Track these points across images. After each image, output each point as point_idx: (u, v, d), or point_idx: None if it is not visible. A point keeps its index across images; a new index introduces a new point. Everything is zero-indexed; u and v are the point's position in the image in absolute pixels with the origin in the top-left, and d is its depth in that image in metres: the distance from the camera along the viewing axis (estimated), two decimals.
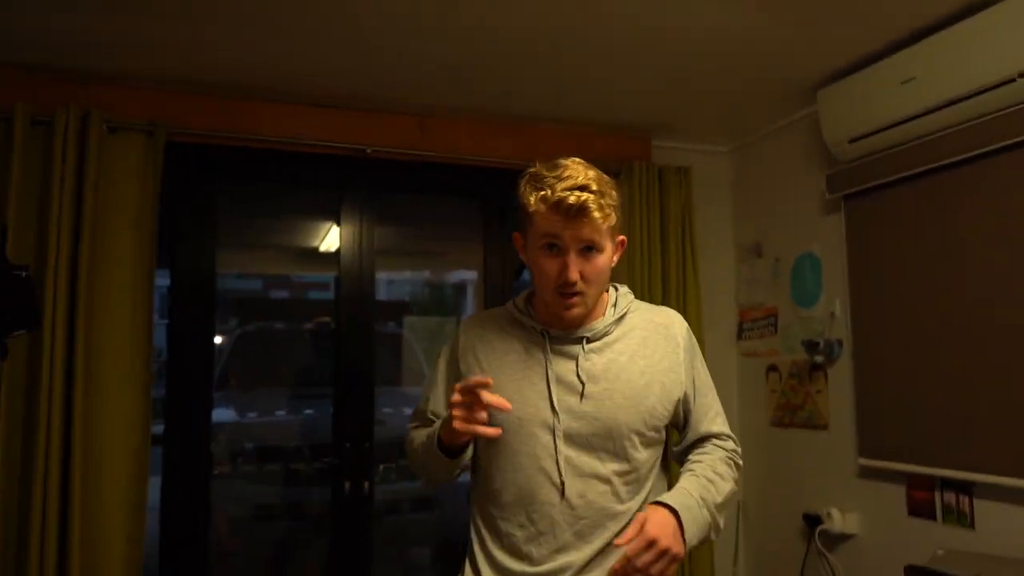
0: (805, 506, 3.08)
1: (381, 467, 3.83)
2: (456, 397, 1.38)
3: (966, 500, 2.43)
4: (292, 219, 4.61)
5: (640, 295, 3.23)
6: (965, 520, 2.43)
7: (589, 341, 1.52)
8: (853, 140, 2.77)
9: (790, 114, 3.21)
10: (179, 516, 2.91)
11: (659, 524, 1.34)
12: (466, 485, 1.67)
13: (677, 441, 1.65)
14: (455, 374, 1.59)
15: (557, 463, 1.44)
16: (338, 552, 3.07)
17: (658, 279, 3.37)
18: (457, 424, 1.38)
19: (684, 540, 1.36)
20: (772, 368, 3.35)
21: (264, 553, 3.94)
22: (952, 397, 2.45)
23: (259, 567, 3.87)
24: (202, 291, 3.02)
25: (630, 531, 1.32)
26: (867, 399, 2.80)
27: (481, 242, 3.41)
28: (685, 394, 1.55)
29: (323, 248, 4.73)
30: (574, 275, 1.42)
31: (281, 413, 4.80)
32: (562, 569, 1.43)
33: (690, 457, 1.59)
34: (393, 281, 6.29)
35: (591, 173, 1.44)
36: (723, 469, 1.55)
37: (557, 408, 1.46)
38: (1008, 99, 2.24)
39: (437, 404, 1.63)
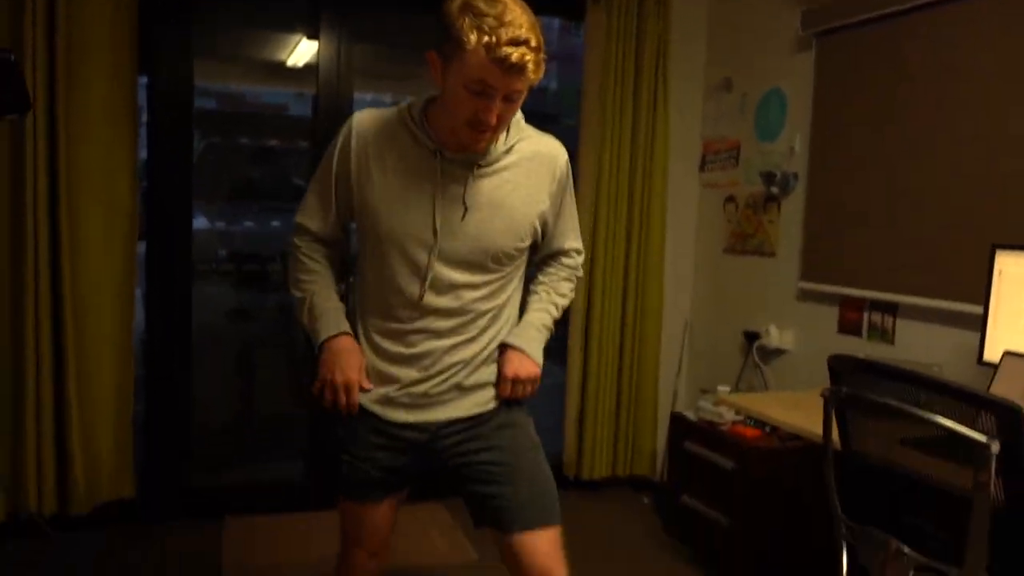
0: (746, 325, 3.38)
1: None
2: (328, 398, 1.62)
3: (890, 319, 2.73)
4: (261, 32, 4.51)
5: (611, 122, 3.41)
6: (888, 336, 2.73)
7: (479, 167, 1.57)
8: None
9: None
10: (162, 317, 3.09)
11: (515, 365, 1.65)
12: None
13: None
14: (344, 174, 1.61)
15: (425, 278, 1.57)
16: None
17: (629, 107, 3.48)
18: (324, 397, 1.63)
19: (536, 361, 1.68)
20: (730, 199, 3.55)
21: (237, 349, 4.18)
22: (888, 229, 2.69)
23: (233, 361, 4.12)
24: (180, 99, 3.06)
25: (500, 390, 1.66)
26: (813, 228, 3.04)
27: None
28: (547, 221, 1.69)
29: (290, 63, 4.68)
30: (494, 119, 1.45)
31: (250, 224, 4.92)
32: (430, 352, 1.61)
33: (538, 277, 1.79)
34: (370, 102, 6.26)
35: (529, 21, 1.42)
36: (563, 288, 1.78)
37: (439, 230, 1.55)
38: None
39: (315, 220, 1.67)
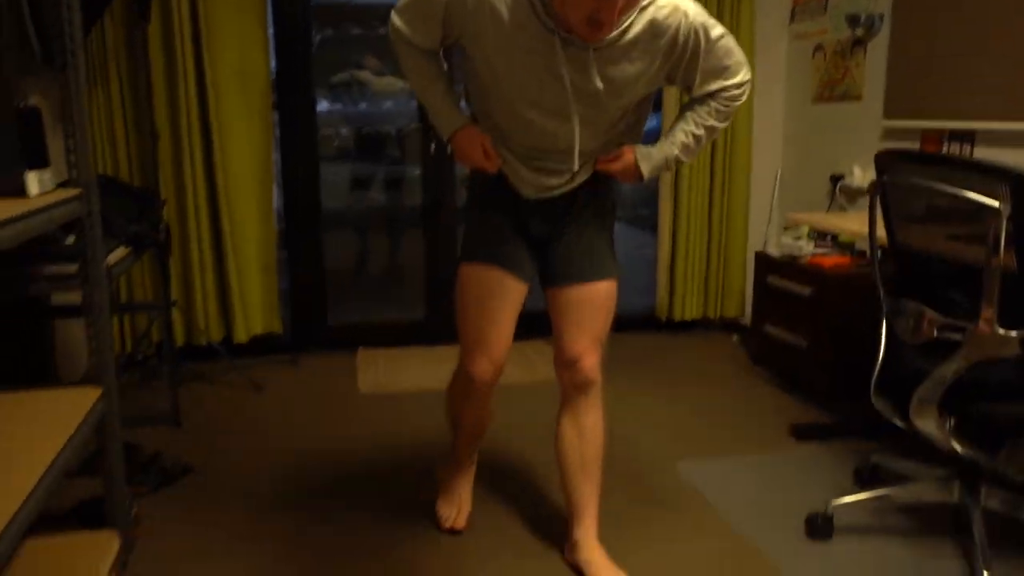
0: (833, 170, 3.51)
1: None
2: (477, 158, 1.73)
3: (968, 148, 2.82)
4: None
5: None
6: None
7: (596, 50, 1.57)
8: None
9: None
10: (298, 188, 3.53)
11: (621, 163, 1.76)
12: None
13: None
14: (457, 21, 1.61)
15: (575, 142, 1.68)
16: (427, 184, 3.71)
17: None
18: (466, 162, 1.77)
19: (641, 175, 1.76)
20: (818, 48, 3.62)
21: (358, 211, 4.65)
22: (969, 58, 2.75)
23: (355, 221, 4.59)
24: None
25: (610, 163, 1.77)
26: (897, 67, 3.11)
27: None
28: (676, 78, 1.70)
29: None
30: (616, 15, 1.46)
31: (364, 105, 5.28)
32: (566, 170, 1.75)
33: (692, 106, 1.76)
34: None
35: None
36: (709, 120, 1.74)
37: (572, 106, 1.63)
38: None
39: (413, 32, 1.68)
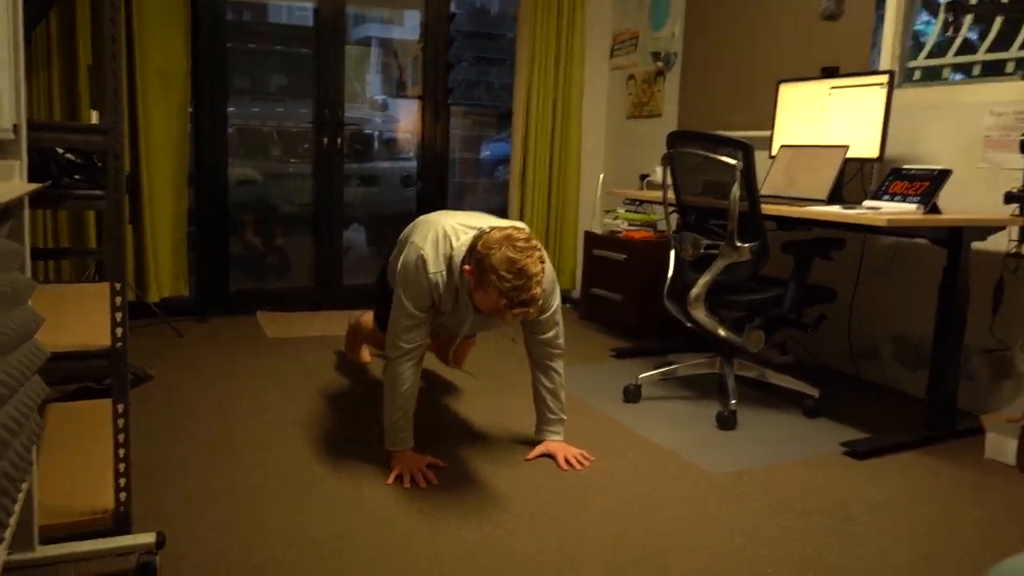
0: (641, 170, 4.54)
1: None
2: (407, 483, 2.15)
3: None
4: None
5: (541, 23, 4.48)
6: None
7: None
8: None
9: None
10: (206, 169, 4.11)
11: (560, 449, 2.36)
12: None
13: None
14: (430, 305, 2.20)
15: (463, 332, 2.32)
16: (319, 180, 4.39)
17: (554, 10, 4.54)
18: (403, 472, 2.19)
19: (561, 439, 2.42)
20: (631, 77, 4.68)
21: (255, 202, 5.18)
22: (733, 87, 3.85)
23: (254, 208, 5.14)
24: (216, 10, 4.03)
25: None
26: (686, 92, 4.19)
27: None
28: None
29: None
30: (506, 319, 2.04)
31: (256, 109, 5.77)
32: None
33: (542, 377, 2.39)
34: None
35: (539, 282, 1.96)
36: (559, 380, 2.40)
37: (465, 331, 2.29)
38: None
39: (411, 338, 2.20)
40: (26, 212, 1.28)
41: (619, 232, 4.12)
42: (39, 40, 3.50)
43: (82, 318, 1.74)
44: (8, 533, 1.05)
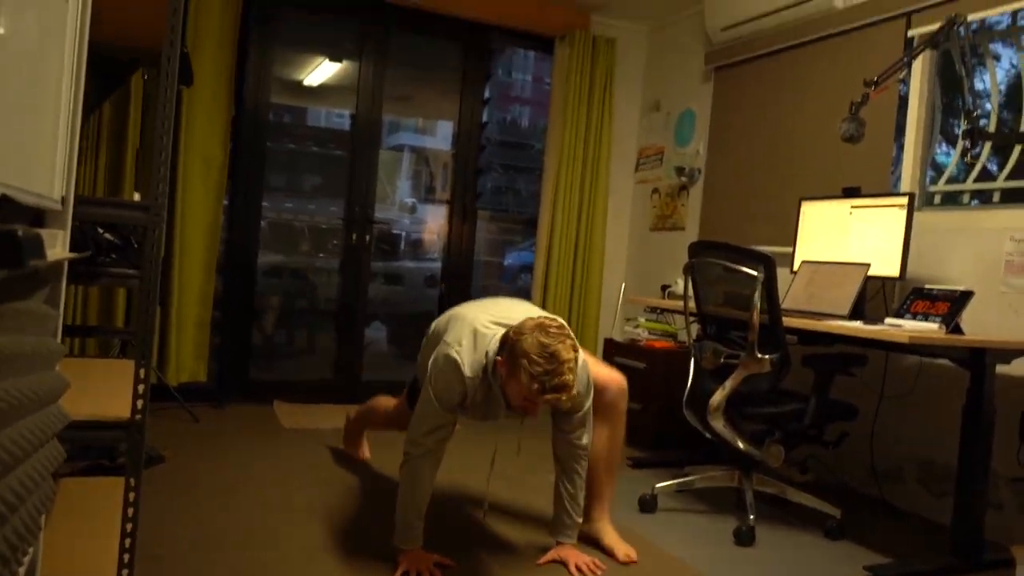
0: (663, 280, 4.58)
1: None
2: None
3: None
4: (292, 53, 5.52)
5: (569, 135, 4.64)
6: None
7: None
8: (724, 28, 4.11)
9: (690, 8, 4.52)
10: (235, 258, 4.22)
11: (572, 555, 2.30)
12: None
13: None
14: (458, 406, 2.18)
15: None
16: (345, 275, 4.46)
17: (583, 124, 4.71)
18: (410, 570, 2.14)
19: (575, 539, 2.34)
20: (655, 190, 4.79)
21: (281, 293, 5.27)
22: (752, 202, 3.93)
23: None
24: (258, 112, 4.23)
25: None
26: (708, 206, 4.28)
27: (458, 89, 4.66)
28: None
29: (307, 82, 5.69)
30: (538, 412, 2.03)
31: (289, 205, 5.92)
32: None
33: (564, 479, 2.32)
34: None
35: (572, 368, 1.95)
36: (580, 484, 2.32)
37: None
38: (814, 10, 3.61)
39: (434, 438, 2.17)
40: (63, 281, 1.32)
41: (639, 341, 4.13)
42: (91, 126, 3.67)
43: (104, 391, 1.76)
44: None
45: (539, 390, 1.93)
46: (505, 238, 6.63)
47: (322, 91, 5.79)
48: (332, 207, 4.94)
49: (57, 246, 1.34)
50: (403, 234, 6.02)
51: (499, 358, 2.05)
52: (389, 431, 3.08)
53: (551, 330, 1.98)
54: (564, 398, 1.96)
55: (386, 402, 3.04)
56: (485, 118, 4.82)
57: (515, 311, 2.23)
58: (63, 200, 1.32)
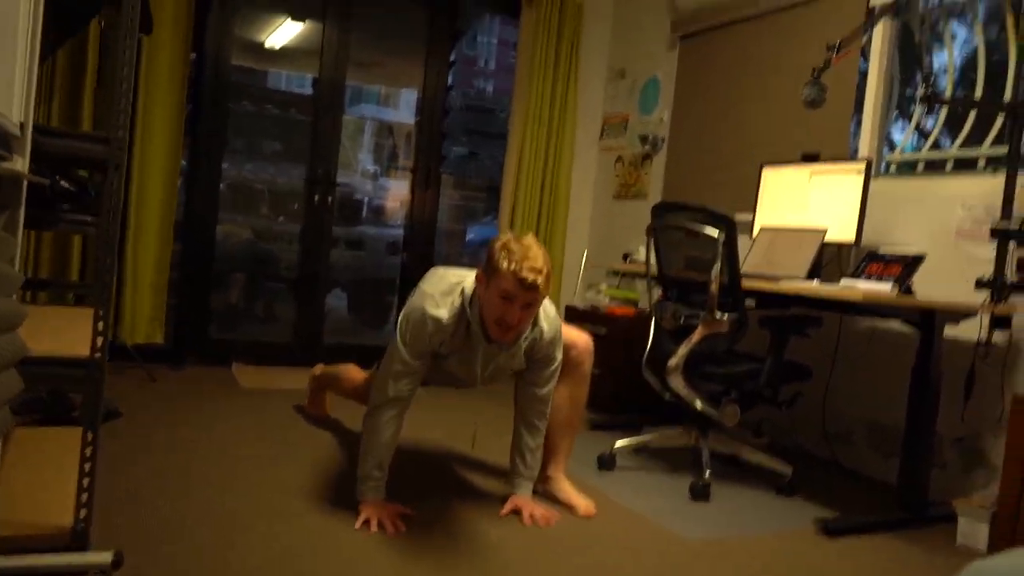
0: (625, 248, 4.62)
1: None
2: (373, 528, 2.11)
3: None
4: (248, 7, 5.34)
5: (534, 103, 4.63)
6: None
7: (501, 349, 2.26)
8: None
9: None
10: (195, 217, 4.16)
11: (527, 505, 2.34)
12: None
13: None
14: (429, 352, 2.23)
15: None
16: (306, 237, 4.42)
17: (548, 91, 4.70)
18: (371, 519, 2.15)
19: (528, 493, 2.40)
20: (619, 159, 4.81)
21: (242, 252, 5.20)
22: (714, 171, 3.97)
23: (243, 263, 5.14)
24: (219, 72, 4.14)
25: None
26: (671, 175, 4.31)
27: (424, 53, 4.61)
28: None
29: (268, 44, 5.58)
30: (515, 319, 2.08)
31: (249, 166, 5.85)
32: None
33: (525, 432, 2.41)
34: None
35: (543, 258, 2.05)
36: (540, 440, 2.42)
37: (479, 377, 2.34)
38: None
39: (400, 386, 2.22)
40: (22, 209, 1.30)
41: (600, 308, 4.16)
42: (46, 72, 3.56)
43: (62, 332, 1.73)
44: None
45: (516, 277, 2.01)
46: (469, 204, 6.61)
47: (284, 54, 5.69)
48: (294, 170, 4.89)
49: (17, 167, 1.31)
50: (366, 199, 5.97)
51: (478, 273, 2.14)
52: (351, 401, 3.06)
53: (521, 239, 2.11)
54: (540, 281, 2.03)
55: (356, 373, 3.01)
56: (450, 81, 4.79)
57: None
58: (21, 126, 1.30)
